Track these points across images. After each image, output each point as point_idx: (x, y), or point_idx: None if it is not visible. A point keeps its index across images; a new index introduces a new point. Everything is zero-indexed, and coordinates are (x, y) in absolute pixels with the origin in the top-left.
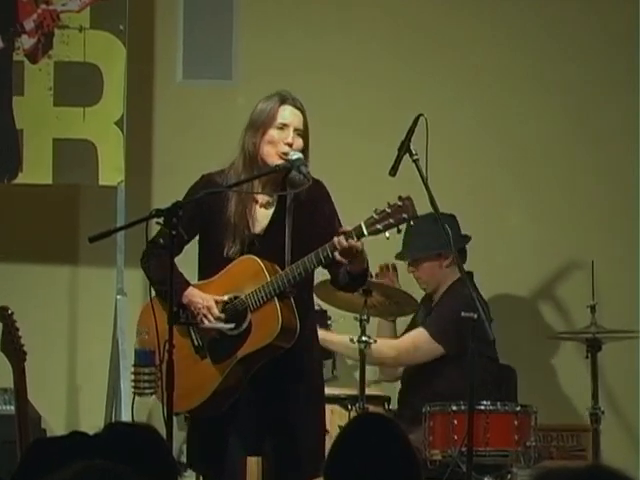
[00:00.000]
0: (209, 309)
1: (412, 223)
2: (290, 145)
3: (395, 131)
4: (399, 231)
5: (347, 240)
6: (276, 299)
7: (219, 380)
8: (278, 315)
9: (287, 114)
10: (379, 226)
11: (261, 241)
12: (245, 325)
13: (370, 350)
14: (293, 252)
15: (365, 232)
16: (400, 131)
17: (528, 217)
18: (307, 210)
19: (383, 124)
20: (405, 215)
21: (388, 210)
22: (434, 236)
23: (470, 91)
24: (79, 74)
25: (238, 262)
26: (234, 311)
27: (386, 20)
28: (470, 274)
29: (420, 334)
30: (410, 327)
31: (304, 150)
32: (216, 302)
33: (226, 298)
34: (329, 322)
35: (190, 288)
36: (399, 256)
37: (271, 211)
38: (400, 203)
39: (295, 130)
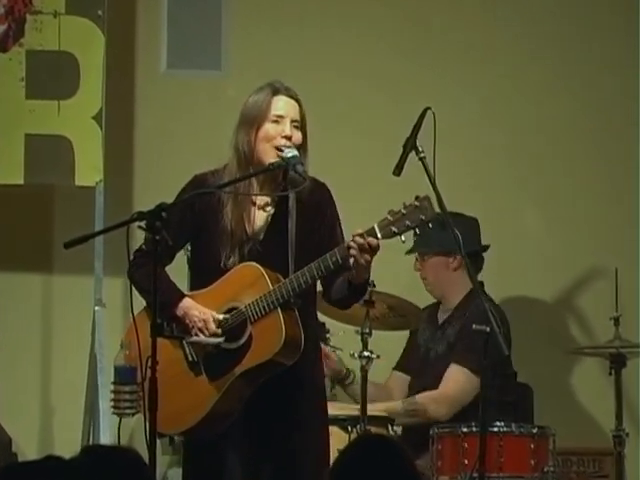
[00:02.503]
0: (205, 323)
1: (430, 225)
2: (288, 138)
3: (398, 127)
4: (416, 234)
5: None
6: (279, 310)
7: (215, 399)
8: (282, 327)
9: (282, 105)
10: (394, 228)
11: (260, 246)
12: (244, 338)
13: (417, 411)
14: (295, 260)
15: (379, 235)
16: (404, 127)
17: (544, 220)
18: (309, 214)
19: (384, 120)
20: (423, 216)
21: (404, 211)
22: (466, 236)
23: (476, 85)
24: (53, 64)
25: (237, 269)
26: (232, 323)
27: (386, 12)
28: (481, 283)
29: (461, 374)
30: (408, 347)
31: (303, 143)
32: (213, 319)
33: (221, 317)
34: (327, 335)
35: (185, 299)
36: (408, 251)
37: (269, 214)
38: (417, 203)
39: (292, 122)
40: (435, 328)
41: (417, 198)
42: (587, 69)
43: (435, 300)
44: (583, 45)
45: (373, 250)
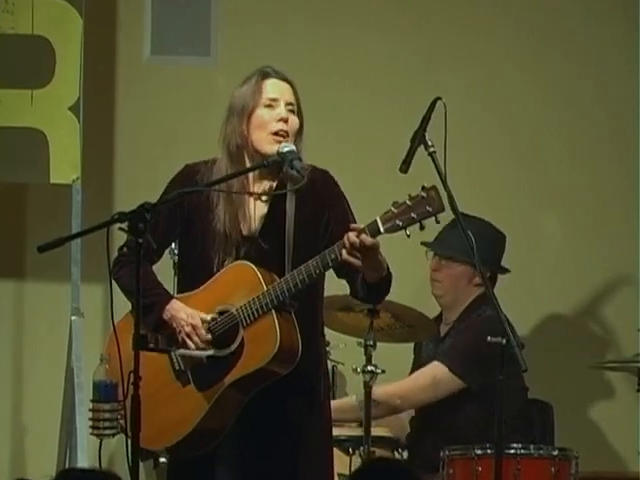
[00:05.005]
0: (194, 328)
1: (438, 220)
2: (285, 120)
3: (403, 119)
4: (422, 228)
5: (358, 236)
6: (274, 312)
7: (203, 412)
8: (276, 332)
9: (274, 88)
10: (398, 222)
11: (255, 245)
12: (236, 345)
13: (376, 399)
14: (294, 260)
15: (381, 229)
16: (409, 119)
17: (565, 224)
18: (312, 210)
19: (388, 110)
20: (430, 208)
21: (409, 203)
22: (483, 247)
23: (487, 79)
24: (26, 49)
25: (229, 269)
26: (223, 328)
27: (388, 3)
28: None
29: (436, 368)
30: (416, 360)
31: (300, 129)
32: (202, 320)
33: (209, 318)
34: (327, 348)
35: (173, 301)
36: (430, 245)
37: (266, 209)
38: (424, 194)
39: (287, 104)
40: (438, 341)
41: (423, 188)
42: (602, 66)
43: (436, 312)
44: (596, 40)
45: (368, 249)
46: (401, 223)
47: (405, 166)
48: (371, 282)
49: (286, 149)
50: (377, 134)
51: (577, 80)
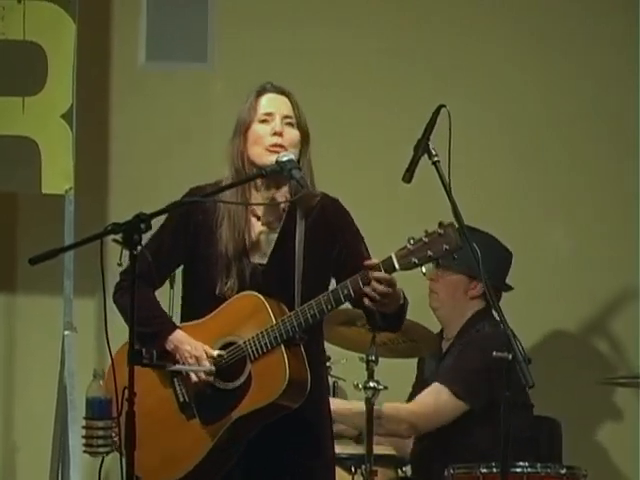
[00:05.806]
0: (198, 360)
1: (455, 256)
2: (279, 134)
3: (404, 119)
4: (438, 265)
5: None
6: (283, 347)
7: (209, 446)
8: (285, 367)
9: (269, 102)
10: (414, 259)
11: (263, 272)
12: (243, 378)
13: (380, 419)
14: (303, 289)
15: (397, 266)
16: (411, 120)
17: (571, 233)
18: (322, 237)
19: (389, 112)
20: (447, 246)
21: (425, 240)
22: (486, 260)
23: (487, 79)
24: (18, 55)
25: (236, 299)
26: (229, 361)
27: (387, 8)
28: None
29: (439, 392)
30: (416, 383)
31: (303, 142)
32: (207, 355)
33: (216, 354)
34: (328, 364)
35: (176, 331)
36: None
37: (275, 232)
38: (441, 231)
39: (284, 118)
40: (439, 359)
41: (440, 225)
42: (601, 66)
43: (439, 327)
44: (595, 40)
45: (383, 284)
46: (417, 260)
47: (408, 175)
48: (388, 313)
49: (285, 158)
50: (377, 135)
51: (577, 80)
